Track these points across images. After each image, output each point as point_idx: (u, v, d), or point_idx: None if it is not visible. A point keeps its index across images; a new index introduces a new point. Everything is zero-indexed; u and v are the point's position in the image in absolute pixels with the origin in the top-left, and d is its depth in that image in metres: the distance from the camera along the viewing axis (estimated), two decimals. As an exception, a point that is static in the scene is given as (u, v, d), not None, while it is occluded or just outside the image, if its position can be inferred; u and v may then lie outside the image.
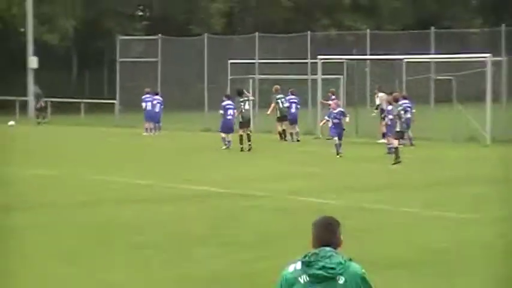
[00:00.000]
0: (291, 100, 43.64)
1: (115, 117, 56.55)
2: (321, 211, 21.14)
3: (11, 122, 54.30)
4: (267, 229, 19.11)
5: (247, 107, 39.99)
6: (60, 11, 72.51)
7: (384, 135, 39.17)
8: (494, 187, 25.94)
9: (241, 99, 40.18)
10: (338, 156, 33.97)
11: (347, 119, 35.63)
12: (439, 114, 43.32)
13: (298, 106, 43.73)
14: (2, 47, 75.28)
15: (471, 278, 14.37)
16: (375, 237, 17.72)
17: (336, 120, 35.03)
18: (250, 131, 39.20)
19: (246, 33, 61.94)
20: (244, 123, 39.20)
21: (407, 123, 35.47)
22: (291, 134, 43.14)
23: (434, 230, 18.81)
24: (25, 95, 63.38)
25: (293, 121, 43.38)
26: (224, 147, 38.21)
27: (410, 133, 37.21)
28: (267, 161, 34.36)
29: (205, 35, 56.42)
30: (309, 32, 53.30)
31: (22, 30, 69.51)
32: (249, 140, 38.18)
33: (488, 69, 40.29)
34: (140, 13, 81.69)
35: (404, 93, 37.38)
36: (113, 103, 58.51)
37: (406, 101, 36.61)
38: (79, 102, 60.26)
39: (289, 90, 44.08)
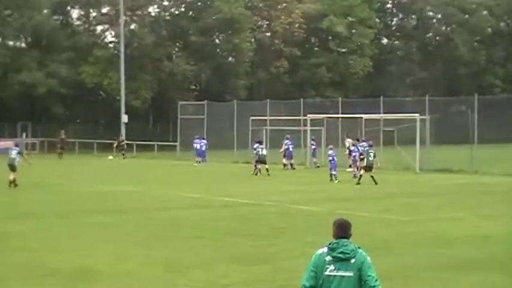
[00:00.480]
0: (289, 143, 43.71)
1: (177, 154, 56.63)
2: (308, 215, 21.20)
3: (110, 157, 54.44)
4: (274, 226, 19.05)
5: (264, 152, 39.82)
6: (142, 85, 72.87)
7: (350, 166, 39.14)
8: (422, 199, 25.84)
9: (260, 146, 40.25)
10: (336, 181, 33.52)
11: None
12: (385, 153, 43.15)
13: (292, 146, 43.73)
14: (106, 108, 75.65)
15: (408, 256, 14.29)
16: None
17: (330, 158, 34.85)
18: (267, 168, 38.61)
19: (261, 99, 62.00)
20: (261, 162, 39.11)
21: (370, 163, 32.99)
22: (291, 164, 43.03)
23: (382, 227, 18.73)
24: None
25: (290, 156, 43.37)
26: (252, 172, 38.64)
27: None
28: (273, 182, 34.29)
29: (235, 101, 56.57)
30: (301, 99, 53.30)
31: (118, 98, 69.81)
32: (267, 171, 37.99)
33: (417, 124, 40.23)
34: (193, 87, 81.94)
35: (363, 138, 36.91)
36: (175, 145, 58.64)
37: (365, 143, 35.62)
38: (153, 144, 60.33)
39: (286, 136, 44.09)
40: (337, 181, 33.57)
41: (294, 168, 42.36)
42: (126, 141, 61.59)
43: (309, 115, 46.55)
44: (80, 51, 72.80)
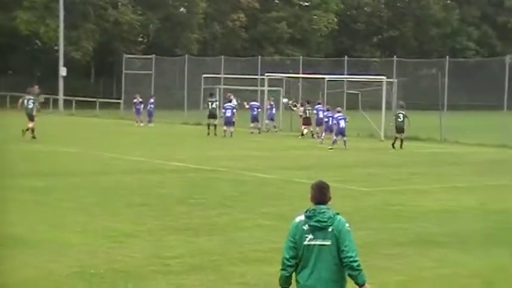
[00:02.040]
0: (253, 105, 43.67)
1: (120, 112, 56.25)
2: (263, 183, 21.36)
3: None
4: (226, 194, 19.15)
5: (214, 106, 40.10)
6: (83, 35, 71.91)
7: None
8: (385, 169, 26.20)
9: (210, 100, 40.50)
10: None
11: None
12: (349, 118, 43.41)
13: (260, 109, 43.72)
14: (42, 59, 74.60)
15: (368, 231, 14.51)
16: (302, 202, 17.78)
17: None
18: (215, 124, 39.28)
19: (215, 55, 61.80)
20: (211, 116, 39.42)
21: (342, 131, 34.14)
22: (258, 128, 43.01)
23: (342, 197, 18.92)
24: (57, 94, 62.88)
25: (254, 119, 43.30)
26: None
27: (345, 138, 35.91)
28: (227, 146, 34.36)
29: (186, 56, 56.29)
30: (259, 57, 53.31)
31: (56, 48, 68.82)
32: (215, 129, 38.28)
33: (384, 87, 40.58)
34: (140, 39, 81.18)
35: (339, 108, 36.24)
36: (119, 102, 58.20)
37: (340, 114, 35.10)
38: (94, 101, 59.79)
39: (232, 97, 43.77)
40: (331, 147, 33.68)
41: (260, 133, 42.37)
42: (64, 97, 60.95)
43: (266, 74, 46.60)
44: (14, -5, 71.34)
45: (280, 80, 47.71)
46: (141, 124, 47.34)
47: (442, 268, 11.95)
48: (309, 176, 22.92)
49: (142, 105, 48.75)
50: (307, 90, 51.06)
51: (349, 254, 7.00)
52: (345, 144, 33.79)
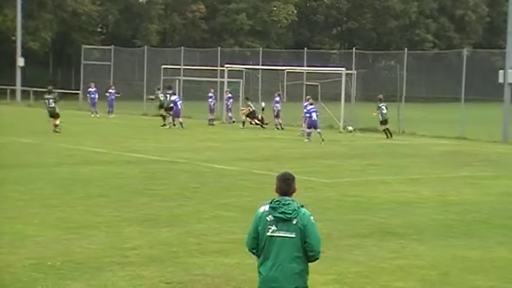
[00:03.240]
0: (210, 96, 43.84)
1: (79, 103, 55.72)
2: (222, 174, 21.32)
3: None
4: (185, 185, 19.09)
5: (172, 98, 40.25)
6: (41, 25, 71.08)
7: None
8: (344, 160, 26.33)
9: (169, 92, 40.61)
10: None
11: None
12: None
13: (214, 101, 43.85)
14: (0, 49, 73.58)
15: (326, 222, 14.51)
16: (261, 192, 17.81)
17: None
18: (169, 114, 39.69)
19: (174, 46, 61.53)
20: (168, 109, 39.46)
21: (315, 124, 34.18)
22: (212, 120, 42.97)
23: (301, 189, 18.88)
24: (14, 84, 62.09)
25: (213, 111, 43.38)
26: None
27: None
28: (186, 138, 34.26)
29: (145, 47, 55.95)
30: (219, 48, 53.19)
31: (13, 38, 67.94)
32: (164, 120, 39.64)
33: (343, 79, 40.76)
34: (99, 29, 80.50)
35: (310, 100, 36.15)
36: (77, 93, 57.65)
37: (312, 106, 34.83)
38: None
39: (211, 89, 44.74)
40: (307, 140, 33.63)
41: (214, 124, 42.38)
42: (22, 88, 60.11)
43: (226, 65, 46.51)
44: (-30, -16, 70.25)
45: (240, 71, 47.66)
46: (97, 115, 46.93)
47: (400, 259, 12.02)
48: (268, 168, 22.98)
49: (97, 95, 48.50)
50: (266, 81, 51.07)
51: (314, 249, 6.97)
52: (321, 137, 33.31)
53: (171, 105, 40.16)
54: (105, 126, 39.58)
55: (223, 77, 46.60)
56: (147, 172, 21.44)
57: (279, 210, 6.95)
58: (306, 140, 33.59)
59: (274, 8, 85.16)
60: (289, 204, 6.99)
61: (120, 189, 18.19)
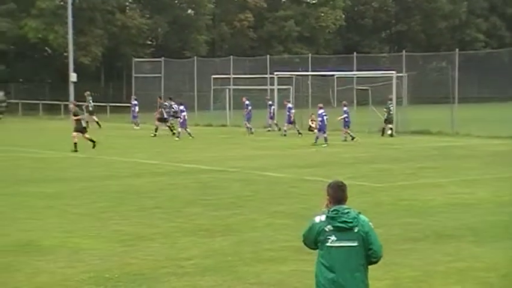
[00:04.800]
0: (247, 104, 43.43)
1: (130, 116, 56.21)
2: (274, 182, 21.32)
3: None
4: (237, 194, 19.13)
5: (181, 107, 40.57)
6: (92, 41, 72.11)
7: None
8: (397, 164, 26.12)
9: (173, 103, 41.62)
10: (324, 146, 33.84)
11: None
12: (359, 114, 43.43)
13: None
14: (52, 66, 74.88)
15: (381, 227, 14.41)
16: (314, 200, 17.77)
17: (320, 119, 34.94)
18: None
19: (223, 56, 61.84)
20: (168, 119, 41.25)
21: (324, 128, 34.39)
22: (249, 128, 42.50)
23: (354, 194, 18.85)
24: (67, 100, 63.01)
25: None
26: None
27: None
28: (237, 147, 34.33)
29: (195, 58, 56.31)
30: (268, 56, 53.25)
31: (65, 54, 69.03)
32: (171, 130, 40.32)
33: (394, 82, 40.45)
34: (149, 42, 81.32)
35: (320, 104, 36.47)
36: (129, 106, 58.17)
37: (323, 110, 35.09)
38: (105, 106, 59.86)
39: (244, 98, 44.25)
40: (324, 145, 33.56)
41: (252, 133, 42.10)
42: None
43: (276, 73, 46.53)
44: (21, 3, 71.60)
45: (290, 78, 47.65)
46: (137, 127, 46.97)
47: (457, 262, 11.87)
48: (320, 174, 22.92)
49: (137, 108, 48.95)
50: (316, 87, 50.95)
51: (378, 255, 6.92)
52: (326, 141, 33.81)
53: (180, 115, 39.64)
54: (156, 138, 39.90)
55: (273, 85, 46.63)
56: (200, 182, 21.55)
57: (339, 220, 6.81)
58: (324, 146, 33.39)
59: (322, 14, 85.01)
60: (348, 212, 6.86)
61: (174, 200, 18.32)
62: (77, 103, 37.63)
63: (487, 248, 12.84)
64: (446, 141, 36.24)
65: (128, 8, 78.45)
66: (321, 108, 35.30)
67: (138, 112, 49.39)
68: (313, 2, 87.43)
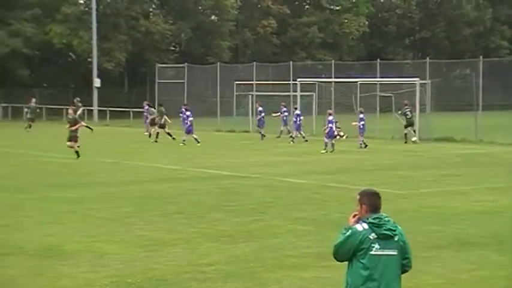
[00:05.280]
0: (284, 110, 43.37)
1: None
2: (296, 188, 21.31)
3: None
4: (259, 200, 19.14)
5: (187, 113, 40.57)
6: (116, 46, 72.50)
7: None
8: (420, 171, 26.01)
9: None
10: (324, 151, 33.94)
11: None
12: (382, 120, 43.30)
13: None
14: (76, 71, 75.39)
15: (405, 234, 14.37)
16: (336, 206, 17.76)
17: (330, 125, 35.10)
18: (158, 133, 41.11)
19: (246, 62, 61.92)
20: (163, 125, 41.16)
21: (332, 134, 34.75)
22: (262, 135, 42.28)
23: (377, 201, 18.83)
24: (91, 105, 63.41)
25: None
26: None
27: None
28: (258, 153, 34.33)
29: (218, 63, 56.43)
30: (291, 62, 53.28)
31: (89, 60, 69.49)
32: (157, 136, 40.69)
33: (417, 89, 40.31)
34: (172, 48, 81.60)
35: (330, 111, 36.49)
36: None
37: (331, 117, 35.16)
38: (128, 111, 60.11)
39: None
40: (324, 151, 33.50)
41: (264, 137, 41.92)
42: (98, 108, 61.20)
43: (298, 79, 46.51)
44: (47, 8, 72.20)
45: (313, 84, 47.62)
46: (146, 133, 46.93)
47: (481, 270, 11.80)
48: (342, 181, 22.89)
49: (148, 114, 48.79)
50: (339, 94, 50.88)
51: (411, 264, 6.91)
52: (332, 147, 34.01)
53: (187, 120, 39.57)
54: (179, 144, 40.00)
55: (295, 91, 46.63)
56: (222, 188, 21.58)
57: (384, 227, 6.73)
58: (323, 151, 33.37)
59: (346, 20, 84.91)
60: (389, 220, 6.81)
61: (196, 205, 18.36)
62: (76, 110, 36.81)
63: (510, 257, 12.75)
64: (470, 148, 36.04)
65: (151, 13, 78.80)
66: (330, 114, 35.29)
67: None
68: (337, 8, 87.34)
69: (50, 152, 33.45)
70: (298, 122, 40.58)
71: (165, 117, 41.81)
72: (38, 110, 53.54)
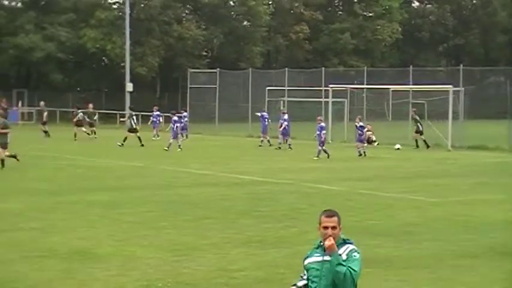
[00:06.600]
0: (264, 116, 42.75)
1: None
2: (328, 195, 21.22)
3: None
4: (291, 206, 19.08)
5: (135, 121, 40.24)
6: (148, 51, 72.93)
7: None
8: (453, 179, 25.79)
9: (134, 114, 42.88)
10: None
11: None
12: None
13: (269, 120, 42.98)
14: (109, 76, 75.95)
15: (436, 242, 14.28)
16: (368, 213, 17.67)
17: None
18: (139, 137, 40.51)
19: (278, 68, 61.92)
20: (132, 130, 40.96)
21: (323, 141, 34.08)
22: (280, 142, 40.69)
23: (409, 209, 18.72)
24: (123, 109, 63.76)
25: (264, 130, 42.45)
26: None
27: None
28: (289, 159, 34.27)
29: (250, 69, 56.49)
30: (323, 68, 53.17)
31: (122, 64, 69.96)
32: (140, 141, 39.83)
33: (450, 96, 40.02)
34: (204, 53, 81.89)
35: (320, 117, 35.52)
36: (184, 116, 58.58)
37: (323, 124, 34.70)
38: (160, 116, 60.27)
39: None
40: (317, 158, 33.05)
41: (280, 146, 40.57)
42: (132, 112, 61.46)
43: (330, 85, 46.42)
44: (81, 13, 72.87)
45: (345, 91, 47.50)
46: (158, 138, 46.64)
47: (514, 280, 11.65)
48: (374, 188, 22.75)
49: (160, 118, 48.93)
50: (371, 100, 50.70)
51: None
52: (365, 154, 34.47)
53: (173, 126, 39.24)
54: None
55: (327, 97, 46.54)
56: (253, 193, 21.56)
57: None
58: (315, 158, 33.04)
59: (379, 27, 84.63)
60: None
61: (226, 211, 18.35)
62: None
63: (545, 267, 12.58)
64: (503, 157, 35.68)
65: (184, 19, 79.12)
66: (320, 121, 34.60)
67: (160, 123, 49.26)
68: (370, 14, 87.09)
69: (83, 155, 33.66)
70: (286, 128, 39.93)
71: (133, 120, 41.48)
72: (96, 116, 53.45)
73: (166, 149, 37.56)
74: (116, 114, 62.39)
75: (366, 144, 36.59)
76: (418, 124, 40.58)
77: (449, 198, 20.83)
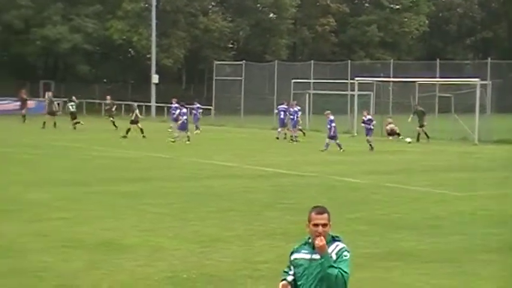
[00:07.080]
0: (281, 109, 42.16)
1: (211, 118, 56.67)
2: (353, 188, 21.21)
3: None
4: (315, 199, 19.07)
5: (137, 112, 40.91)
6: (174, 43, 73.14)
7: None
8: (479, 173, 25.67)
9: (71, 102, 44.73)
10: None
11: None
12: (441, 121, 42.84)
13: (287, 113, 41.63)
14: (135, 67, 76.28)
15: (461, 236, 14.25)
16: (394, 207, 17.65)
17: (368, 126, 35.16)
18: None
19: (304, 60, 61.87)
20: (134, 121, 40.11)
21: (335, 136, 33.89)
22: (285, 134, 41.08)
23: (434, 202, 18.67)
24: (149, 101, 64.06)
25: (282, 124, 41.77)
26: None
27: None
28: (314, 151, 34.23)
29: (275, 61, 56.51)
30: (349, 61, 53.07)
31: (148, 56, 70.24)
32: (142, 132, 39.42)
33: (477, 90, 39.78)
34: (230, 45, 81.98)
35: (328, 111, 34.72)
36: (209, 108, 58.70)
37: (332, 117, 34.09)
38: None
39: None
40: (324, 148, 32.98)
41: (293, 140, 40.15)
42: (156, 104, 61.60)
43: (356, 78, 46.31)
44: (108, 5, 73.16)
45: (371, 84, 47.35)
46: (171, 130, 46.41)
47: (540, 275, 11.60)
48: (400, 181, 22.70)
49: (177, 111, 47.79)
50: (398, 93, 50.49)
51: None
52: (340, 147, 33.39)
53: (181, 118, 38.78)
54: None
55: (353, 90, 46.44)
56: (277, 186, 21.60)
57: None
58: (323, 149, 33.07)
59: (406, 19, 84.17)
60: None
61: (251, 203, 18.41)
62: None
63: None
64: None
65: (210, 11, 79.22)
66: (329, 115, 34.24)
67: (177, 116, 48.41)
68: (397, 7, 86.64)
69: (108, 146, 33.89)
70: (295, 119, 39.85)
71: (136, 112, 41.14)
72: (115, 106, 53.11)
73: (173, 140, 37.41)
74: (141, 105, 62.59)
75: (390, 138, 36.49)
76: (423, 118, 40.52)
77: (475, 192, 20.75)
